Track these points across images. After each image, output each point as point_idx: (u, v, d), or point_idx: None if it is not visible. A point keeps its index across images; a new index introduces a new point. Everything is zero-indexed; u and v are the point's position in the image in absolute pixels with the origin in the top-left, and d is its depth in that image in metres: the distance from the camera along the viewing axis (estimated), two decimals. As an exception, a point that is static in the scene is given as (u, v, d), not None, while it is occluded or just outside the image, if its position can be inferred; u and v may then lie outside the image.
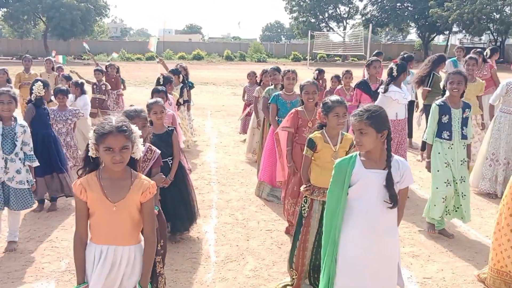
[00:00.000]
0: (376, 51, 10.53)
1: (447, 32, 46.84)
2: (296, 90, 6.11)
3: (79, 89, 7.40)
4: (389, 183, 2.77)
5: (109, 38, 71.09)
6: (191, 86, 10.15)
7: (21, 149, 4.53)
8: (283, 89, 6.10)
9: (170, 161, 4.58)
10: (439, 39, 58.34)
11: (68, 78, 8.84)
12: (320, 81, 8.91)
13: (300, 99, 5.01)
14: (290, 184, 4.97)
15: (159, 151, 3.68)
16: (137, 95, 16.36)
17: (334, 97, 3.75)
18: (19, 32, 51.76)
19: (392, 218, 2.87)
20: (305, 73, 16.32)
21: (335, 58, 46.31)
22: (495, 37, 42.57)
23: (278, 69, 7.03)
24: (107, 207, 2.48)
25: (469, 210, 4.99)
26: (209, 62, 43.75)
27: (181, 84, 8.50)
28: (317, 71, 8.81)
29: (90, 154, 2.52)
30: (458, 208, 4.97)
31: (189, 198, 4.98)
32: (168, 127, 4.66)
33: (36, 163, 4.67)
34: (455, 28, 43.61)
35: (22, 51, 42.90)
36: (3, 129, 4.43)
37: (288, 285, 3.95)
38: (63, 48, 42.62)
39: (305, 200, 3.82)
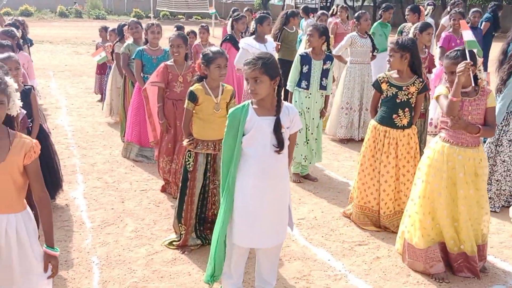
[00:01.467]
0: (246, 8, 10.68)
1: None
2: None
3: None
4: (277, 128, 2.86)
5: None
6: (31, 44, 9.14)
7: None
8: (147, 44, 5.83)
9: (29, 124, 4.12)
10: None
11: None
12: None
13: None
14: (164, 141, 4.87)
15: (24, 111, 3.28)
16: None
17: (215, 48, 3.71)
18: None
19: (284, 162, 3.01)
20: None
21: (179, 16, 45.48)
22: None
23: (139, 23, 6.68)
24: None
25: (320, 152, 5.45)
26: (40, 18, 39.47)
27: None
28: (175, 28, 8.57)
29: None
30: (314, 151, 5.38)
31: (52, 164, 4.56)
32: (25, 85, 4.15)
33: None
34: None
35: None
36: None
37: (174, 241, 3.92)
38: None
39: (189, 155, 3.78)
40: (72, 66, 13.88)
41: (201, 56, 3.72)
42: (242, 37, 6.91)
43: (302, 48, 7.35)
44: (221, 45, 6.95)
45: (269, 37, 6.47)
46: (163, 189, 5.03)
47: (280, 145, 2.89)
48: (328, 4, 44.43)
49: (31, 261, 2.31)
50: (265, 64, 2.78)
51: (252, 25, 7.21)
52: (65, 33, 25.81)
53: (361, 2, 44.39)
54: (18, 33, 7.40)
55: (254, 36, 6.30)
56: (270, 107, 2.92)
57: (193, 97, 3.68)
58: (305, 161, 5.34)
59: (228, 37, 6.90)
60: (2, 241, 2.23)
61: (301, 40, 8.37)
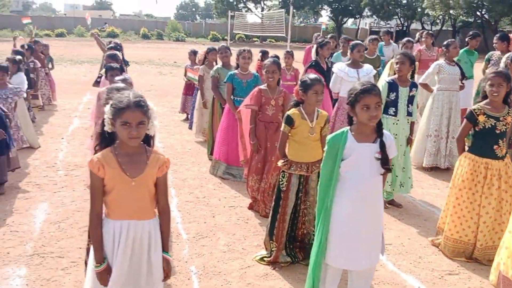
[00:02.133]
0: (330, 35, 10.87)
1: (358, 16, 49.07)
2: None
3: (16, 66, 6.90)
4: (383, 149, 2.98)
5: (10, 12, 65.63)
6: (128, 65, 9.88)
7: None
8: (238, 68, 6.17)
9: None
10: (348, 23, 60.89)
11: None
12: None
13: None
14: (254, 161, 5.11)
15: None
16: (62, 74, 15.45)
17: (312, 75, 3.92)
18: None
19: (379, 188, 3.12)
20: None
21: (254, 39, 46.68)
22: (402, 22, 45.35)
23: (228, 48, 7.06)
24: (126, 182, 2.47)
25: (408, 182, 5.42)
26: (125, 40, 42.08)
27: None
28: (261, 53, 8.95)
29: (106, 129, 2.48)
30: (401, 181, 5.39)
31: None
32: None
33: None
34: (367, 12, 45.77)
35: None
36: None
37: (265, 256, 4.11)
38: None
39: (283, 175, 3.97)
40: (158, 86, 14.73)
41: (299, 82, 3.93)
42: (326, 63, 7.10)
43: (385, 74, 7.42)
44: (305, 70, 7.18)
45: (366, 64, 6.55)
46: (251, 207, 5.26)
47: (386, 167, 3.00)
48: (404, 28, 43.87)
49: (156, 265, 2.58)
50: (379, 91, 2.94)
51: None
52: (149, 54, 27.35)
53: (440, 26, 43.29)
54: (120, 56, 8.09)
55: (348, 62, 6.44)
56: (369, 133, 3.05)
57: (289, 121, 3.89)
58: (390, 186, 5.37)
59: (313, 63, 7.11)
60: (136, 245, 2.52)
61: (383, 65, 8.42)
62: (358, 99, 2.91)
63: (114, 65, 5.67)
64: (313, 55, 7.39)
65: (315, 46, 7.50)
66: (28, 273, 3.77)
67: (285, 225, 3.99)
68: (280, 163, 4.00)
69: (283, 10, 32.77)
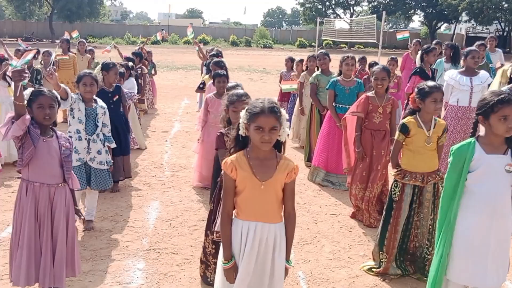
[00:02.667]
0: (436, 41, 10.46)
1: (454, 21, 46.72)
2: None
3: (128, 71, 7.40)
4: None
5: (111, 21, 70.48)
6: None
7: (100, 130, 4.58)
8: (341, 75, 6.13)
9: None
10: (441, 28, 58.20)
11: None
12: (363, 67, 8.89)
13: (370, 85, 5.07)
14: (358, 169, 5.04)
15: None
16: (160, 79, 16.30)
17: (431, 83, 3.80)
18: (22, 13, 51.25)
19: (509, 201, 2.94)
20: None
21: (341, 46, 46.16)
22: (503, 27, 42.51)
23: (327, 54, 7.04)
24: (256, 185, 2.55)
25: None
26: (215, 47, 43.54)
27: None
28: (361, 59, 8.82)
29: (240, 133, 2.58)
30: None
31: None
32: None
33: (114, 145, 4.73)
34: (464, 17, 43.47)
35: (27, 32, 42.56)
36: (85, 110, 4.47)
37: (373, 267, 4.03)
38: (67, 31, 42.26)
39: (396, 185, 3.88)
40: (249, 92, 14.91)
41: (416, 90, 3.82)
42: (431, 70, 6.83)
43: (496, 82, 6.98)
44: (410, 77, 6.96)
45: (482, 71, 6.24)
46: (353, 216, 5.19)
47: None
48: (505, 33, 41.06)
49: (279, 269, 2.63)
50: None
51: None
52: (238, 61, 28.01)
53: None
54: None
55: (462, 69, 6.16)
56: (499, 144, 2.89)
57: (405, 129, 3.79)
58: None
59: (417, 70, 6.87)
60: (261, 246, 2.59)
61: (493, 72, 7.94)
62: (494, 109, 2.76)
63: (222, 72, 5.90)
64: (417, 62, 7.15)
65: (419, 52, 7.24)
66: (146, 267, 4.00)
67: (397, 236, 3.89)
68: (393, 172, 3.91)
69: (374, 15, 32.01)
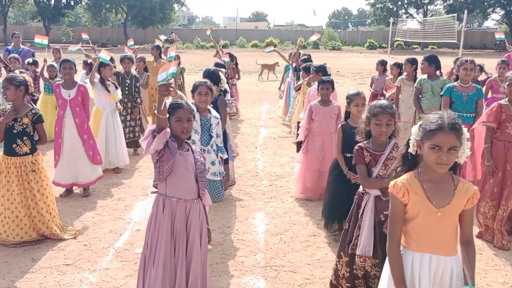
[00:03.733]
0: None
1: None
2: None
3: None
4: None
5: (179, 26, 72.35)
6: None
7: (213, 140, 4.44)
8: (458, 81, 5.65)
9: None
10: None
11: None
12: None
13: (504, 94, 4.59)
14: (488, 185, 4.57)
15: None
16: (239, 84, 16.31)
17: None
18: (98, 20, 53.72)
19: None
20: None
21: (414, 46, 44.51)
22: None
23: (434, 57, 6.55)
24: (431, 212, 2.24)
25: None
26: (282, 49, 43.39)
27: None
28: (466, 61, 8.20)
29: (410, 150, 2.28)
30: None
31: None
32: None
33: (226, 155, 4.58)
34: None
35: (102, 38, 44.52)
36: (200, 120, 4.34)
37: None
38: (139, 37, 43.73)
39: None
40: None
41: None
42: None
43: None
44: None
45: None
46: (480, 235, 4.71)
47: None
48: None
49: None
50: None
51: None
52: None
53: None
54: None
55: None
56: None
57: None
58: None
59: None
60: (436, 282, 2.26)
61: None
62: None
63: (326, 79, 5.62)
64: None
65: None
66: (266, 285, 3.78)
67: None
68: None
69: (454, 15, 30.51)
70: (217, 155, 4.44)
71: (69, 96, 5.51)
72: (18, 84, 4.34)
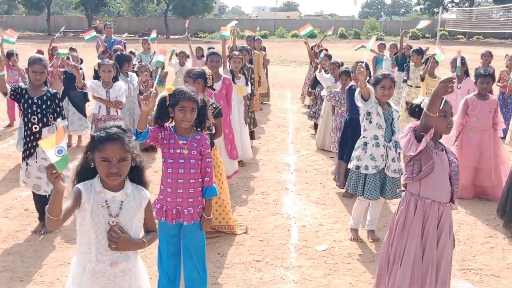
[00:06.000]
0: None
1: None
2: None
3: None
4: None
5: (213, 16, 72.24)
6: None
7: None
8: None
9: None
10: None
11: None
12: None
13: None
14: None
15: None
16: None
17: None
18: (136, 10, 53.83)
19: None
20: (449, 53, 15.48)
21: (458, 36, 43.36)
22: None
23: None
24: None
25: None
26: (324, 40, 42.86)
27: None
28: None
29: None
30: None
31: None
32: None
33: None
34: None
35: (142, 29, 44.63)
36: (384, 114, 4.20)
37: None
38: (179, 27, 43.60)
39: None
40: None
41: None
42: None
43: None
44: None
45: None
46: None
47: None
48: None
49: None
50: None
51: None
52: (343, 54, 27.14)
53: None
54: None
55: None
56: None
57: None
58: None
59: None
60: None
61: None
62: None
63: (486, 72, 5.44)
64: None
65: None
66: (475, 289, 3.65)
67: None
68: None
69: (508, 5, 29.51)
70: (395, 151, 4.29)
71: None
72: (196, 77, 4.27)
